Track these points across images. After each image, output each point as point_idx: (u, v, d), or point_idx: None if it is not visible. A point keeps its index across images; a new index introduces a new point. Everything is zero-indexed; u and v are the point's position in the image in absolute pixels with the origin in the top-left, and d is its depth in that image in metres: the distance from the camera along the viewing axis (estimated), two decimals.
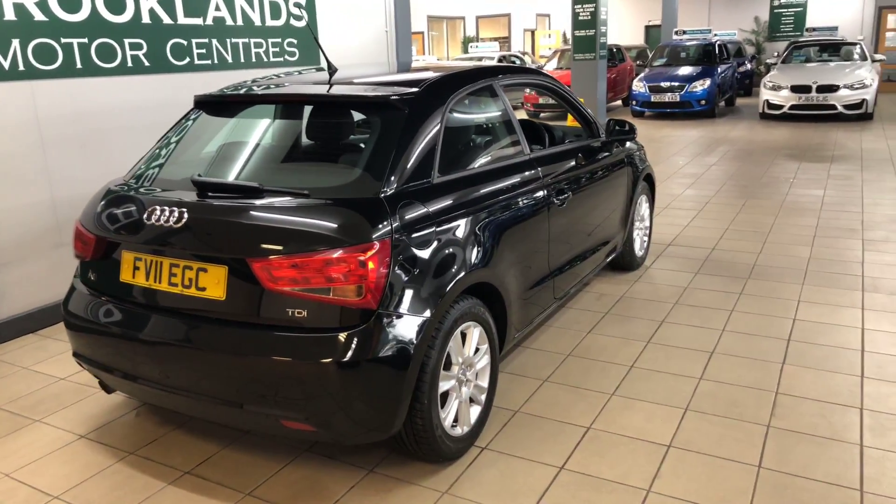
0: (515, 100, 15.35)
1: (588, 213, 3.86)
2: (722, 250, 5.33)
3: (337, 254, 2.26)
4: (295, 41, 5.81)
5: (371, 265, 2.29)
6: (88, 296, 2.75)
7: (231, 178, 2.77)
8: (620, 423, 2.96)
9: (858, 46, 14.02)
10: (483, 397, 2.86)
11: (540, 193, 3.29)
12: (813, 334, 3.76)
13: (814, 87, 12.39)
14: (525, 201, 3.15)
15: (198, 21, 5.01)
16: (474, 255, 2.72)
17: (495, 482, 2.59)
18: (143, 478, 2.69)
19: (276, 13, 5.61)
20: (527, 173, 3.23)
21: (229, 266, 2.37)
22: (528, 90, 13.28)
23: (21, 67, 4.00)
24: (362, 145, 2.77)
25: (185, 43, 4.93)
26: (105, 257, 2.69)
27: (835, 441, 2.76)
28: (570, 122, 6.60)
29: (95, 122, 4.46)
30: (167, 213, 2.49)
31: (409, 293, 2.39)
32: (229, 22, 5.24)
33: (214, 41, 5.15)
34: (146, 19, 4.66)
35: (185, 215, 2.45)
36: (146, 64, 4.70)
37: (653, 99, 13.94)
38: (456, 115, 2.97)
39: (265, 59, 5.60)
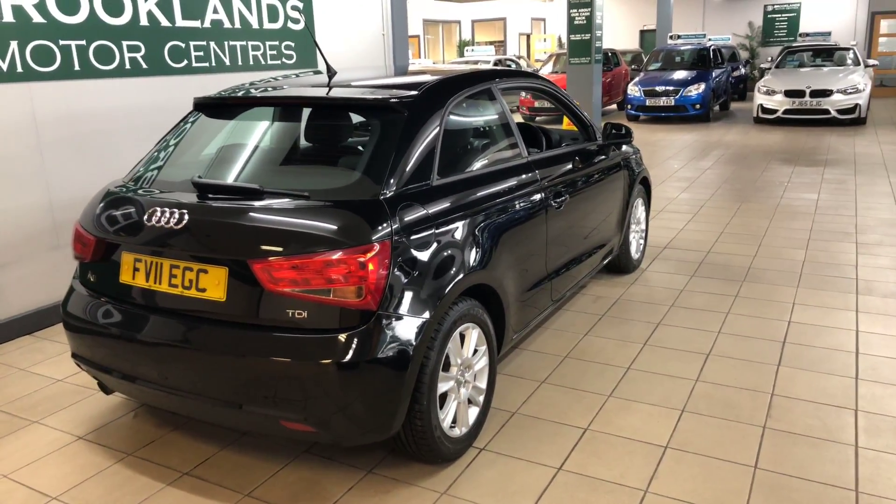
0: (511, 103, 15.41)
1: (585, 215, 3.89)
2: (717, 253, 5.36)
3: (337, 255, 2.27)
4: (292, 44, 5.83)
5: (371, 266, 2.30)
6: (88, 297, 2.75)
7: (231, 179, 2.78)
8: (617, 424, 2.98)
9: (851, 51, 14.12)
10: (481, 398, 2.88)
11: (537, 196, 3.31)
12: (808, 336, 3.79)
13: (807, 91, 12.47)
14: (523, 204, 3.17)
15: (196, 23, 5.02)
16: (473, 257, 2.73)
17: (493, 483, 2.60)
18: (142, 479, 2.69)
19: (273, 16, 5.63)
20: (524, 176, 3.25)
21: (229, 267, 2.38)
22: (523, 94, 13.33)
23: (19, 69, 4.00)
24: (362, 148, 2.78)
25: (182, 45, 4.94)
26: (105, 259, 2.70)
27: (830, 442, 2.79)
28: (566, 125, 6.63)
29: (93, 124, 4.46)
30: (167, 215, 2.50)
31: (408, 294, 2.41)
32: (227, 24, 5.25)
33: (212, 44, 5.16)
34: (144, 21, 4.67)
35: (186, 217, 2.46)
36: (144, 66, 4.71)
37: (648, 103, 14.01)
38: (454, 118, 2.99)
39: (263, 62, 5.61)
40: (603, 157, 4.19)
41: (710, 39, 17.31)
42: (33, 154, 4.16)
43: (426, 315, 2.44)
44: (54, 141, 4.26)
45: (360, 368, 2.30)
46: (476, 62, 17.77)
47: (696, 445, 2.79)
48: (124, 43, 4.57)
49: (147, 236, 2.53)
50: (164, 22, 4.80)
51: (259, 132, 3.11)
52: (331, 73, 3.27)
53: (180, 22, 4.91)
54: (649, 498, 2.48)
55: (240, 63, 5.39)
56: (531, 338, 3.87)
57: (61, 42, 4.21)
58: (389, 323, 2.34)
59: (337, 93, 2.93)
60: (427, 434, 2.51)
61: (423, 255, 2.49)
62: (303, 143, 3.05)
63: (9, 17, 3.92)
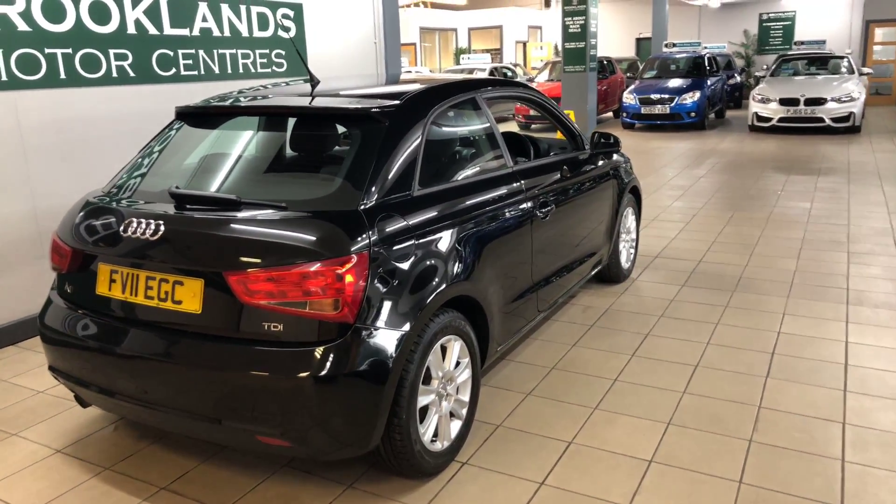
0: (507, 111, 15.42)
1: (572, 225, 3.86)
2: (708, 263, 5.33)
3: (313, 267, 2.24)
4: (283, 52, 5.81)
5: (348, 279, 2.27)
6: (65, 309, 2.72)
7: (209, 190, 2.75)
8: (602, 437, 2.94)
9: (846, 60, 14.15)
10: (464, 411, 2.84)
11: (523, 206, 3.28)
12: (797, 347, 3.76)
13: (802, 100, 12.49)
14: (507, 214, 3.14)
15: (184, 32, 5.00)
16: (455, 268, 2.70)
17: (475, 498, 2.56)
18: (118, 494, 2.65)
19: (263, 24, 5.61)
20: (509, 186, 3.22)
21: (205, 279, 2.35)
22: (518, 103, 13.34)
23: (3, 77, 3.98)
24: (343, 158, 2.76)
25: (171, 53, 4.91)
26: (81, 270, 2.66)
27: (816, 456, 2.75)
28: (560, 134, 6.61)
29: (79, 133, 4.43)
30: (143, 226, 2.46)
31: (387, 307, 2.37)
32: (216, 33, 5.23)
33: (201, 52, 5.14)
34: (132, 30, 4.65)
35: (162, 228, 2.43)
36: (131, 74, 4.68)
37: (643, 111, 14.02)
38: (438, 127, 2.97)
39: (253, 70, 5.60)
40: (591, 166, 4.16)
41: (705, 47, 17.36)
42: (18, 162, 4.13)
43: (405, 328, 2.40)
44: (39, 149, 4.23)
45: (337, 382, 2.26)
46: (471, 70, 17.79)
47: (680, 459, 2.76)
48: (111, 51, 4.54)
49: (123, 247, 2.50)
50: (152, 30, 4.78)
51: (240, 141, 3.08)
52: (314, 82, 3.25)
53: (168, 30, 4.89)
54: None
55: (229, 71, 5.37)
56: (518, 349, 3.84)
57: (47, 50, 4.19)
58: (367, 336, 2.31)
59: (318, 102, 2.90)
60: (407, 448, 2.48)
61: (403, 267, 2.46)
62: (284, 152, 3.02)
63: None
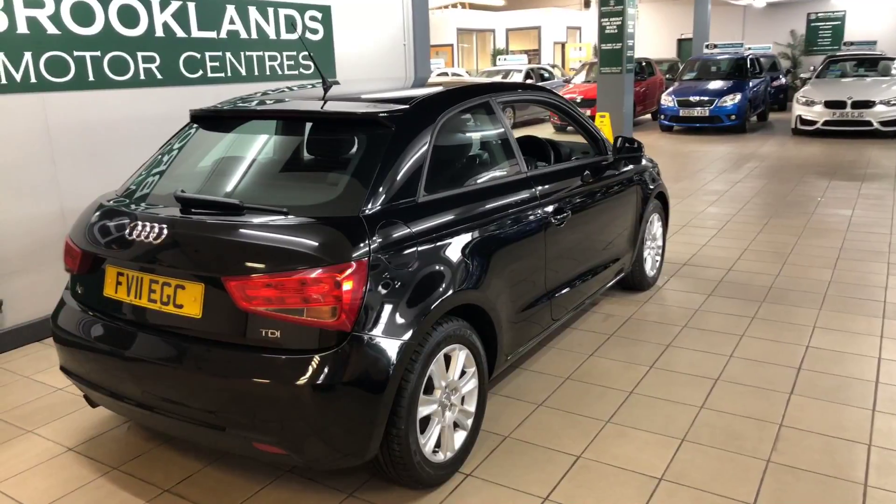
0: (543, 114, 15.28)
1: (591, 232, 3.77)
2: (738, 271, 5.17)
3: (311, 274, 2.22)
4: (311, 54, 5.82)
5: (346, 286, 2.24)
6: (75, 310, 2.75)
7: (215, 194, 2.75)
8: (612, 452, 2.85)
9: None
10: (469, 422, 2.79)
11: (536, 212, 3.21)
12: (825, 363, 3.60)
13: (849, 102, 12.06)
14: (519, 220, 3.08)
15: (212, 34, 5.05)
16: (460, 276, 2.65)
17: None
18: (123, 494, 2.67)
19: (290, 27, 5.64)
20: (522, 192, 3.15)
21: (206, 284, 2.35)
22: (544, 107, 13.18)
23: (33, 80, 4.07)
24: (349, 163, 2.73)
25: (198, 56, 4.97)
26: (91, 271, 2.69)
27: (838, 479, 2.62)
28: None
29: (106, 134, 4.51)
30: (148, 229, 2.48)
31: (386, 315, 2.34)
32: (244, 35, 5.28)
33: (228, 54, 5.19)
34: (160, 33, 4.71)
35: (165, 231, 2.44)
36: (159, 77, 4.75)
37: (681, 113, 13.72)
38: (447, 132, 2.92)
39: (280, 73, 5.63)
40: (613, 171, 4.06)
41: (748, 48, 16.93)
42: (46, 163, 4.22)
43: (406, 336, 2.36)
44: (67, 150, 4.31)
45: (334, 391, 2.23)
46: (508, 72, 17.68)
47: (692, 478, 2.66)
48: (139, 54, 4.61)
49: (129, 250, 2.52)
50: (180, 33, 4.84)
51: (250, 145, 3.08)
52: (326, 85, 3.23)
53: (196, 33, 4.95)
54: None
55: (256, 73, 5.41)
56: (533, 357, 3.77)
57: (76, 53, 4.27)
58: (365, 344, 2.27)
59: (328, 106, 2.88)
60: (406, 459, 2.43)
61: (405, 275, 2.42)
62: (293, 156, 3.01)
63: (23, 28, 3.99)
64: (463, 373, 2.73)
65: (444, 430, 2.64)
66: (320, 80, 3.34)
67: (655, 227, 4.79)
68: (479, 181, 3.05)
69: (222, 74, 5.16)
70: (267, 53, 5.49)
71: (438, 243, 2.60)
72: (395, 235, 2.43)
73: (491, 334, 2.89)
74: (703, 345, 3.88)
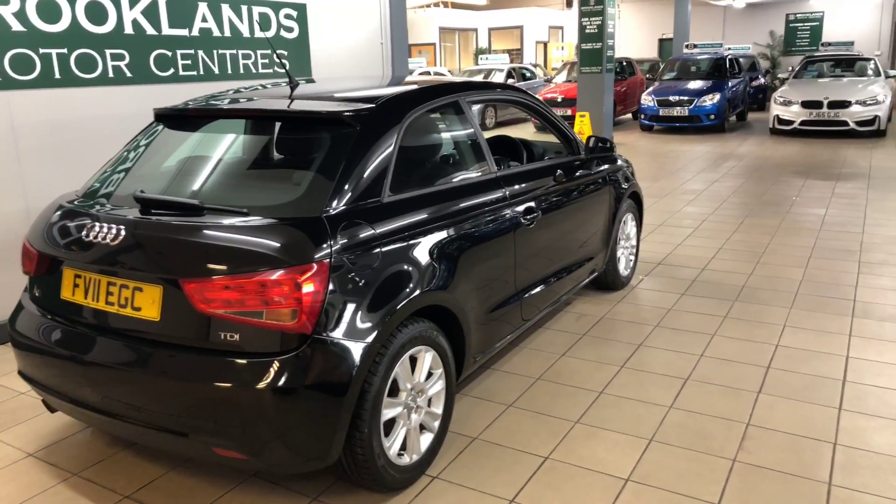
0: (523, 114, 15.27)
1: (563, 232, 3.76)
2: (712, 270, 5.19)
3: (271, 275, 2.18)
4: (285, 52, 5.78)
5: (307, 288, 2.21)
6: (33, 314, 2.69)
7: (178, 194, 2.70)
8: (580, 453, 2.84)
9: (873, 62, 13.79)
10: (436, 424, 2.76)
11: (505, 212, 3.19)
12: (794, 362, 3.62)
13: (825, 102, 12.19)
14: (487, 220, 3.06)
15: (183, 32, 4.98)
16: (426, 276, 2.62)
17: None
18: (82, 501, 2.62)
19: (265, 24, 5.58)
20: (490, 192, 3.14)
21: (163, 286, 2.30)
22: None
23: None
24: (312, 163, 2.69)
25: (169, 54, 4.90)
26: (48, 274, 2.64)
27: (802, 479, 2.63)
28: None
29: (74, 133, 4.43)
30: (105, 230, 2.43)
31: (349, 317, 2.31)
32: (216, 33, 5.21)
33: (201, 52, 5.12)
34: (129, 30, 4.64)
35: (122, 232, 2.39)
36: (129, 75, 4.68)
37: (661, 113, 13.79)
38: (414, 132, 2.89)
39: (254, 71, 5.57)
40: (585, 171, 4.06)
41: (728, 49, 17.05)
42: (11, 162, 4.14)
43: (369, 338, 2.33)
44: (33, 149, 4.23)
45: (294, 395, 2.20)
46: (489, 70, 17.68)
47: (659, 479, 2.65)
48: (108, 51, 4.54)
49: (86, 252, 2.47)
50: (150, 30, 4.77)
51: (215, 144, 3.03)
52: (292, 83, 3.19)
53: (167, 30, 4.87)
54: None
55: (229, 72, 5.34)
56: (504, 357, 3.75)
57: (41, 50, 4.19)
58: (326, 347, 2.24)
59: (293, 105, 2.84)
60: (369, 462, 2.41)
61: (368, 276, 2.39)
62: (258, 156, 2.97)
63: None
64: (430, 374, 2.71)
65: (409, 432, 2.62)
66: (301, 79, 3.30)
67: (629, 226, 4.79)
68: (447, 181, 3.03)
69: (195, 73, 5.09)
70: (241, 51, 5.42)
71: (404, 244, 2.57)
72: (358, 236, 2.40)
73: (459, 335, 2.87)
74: (675, 344, 3.89)
